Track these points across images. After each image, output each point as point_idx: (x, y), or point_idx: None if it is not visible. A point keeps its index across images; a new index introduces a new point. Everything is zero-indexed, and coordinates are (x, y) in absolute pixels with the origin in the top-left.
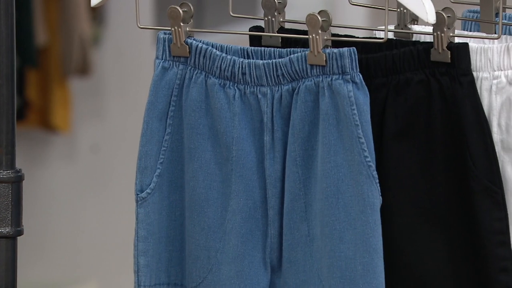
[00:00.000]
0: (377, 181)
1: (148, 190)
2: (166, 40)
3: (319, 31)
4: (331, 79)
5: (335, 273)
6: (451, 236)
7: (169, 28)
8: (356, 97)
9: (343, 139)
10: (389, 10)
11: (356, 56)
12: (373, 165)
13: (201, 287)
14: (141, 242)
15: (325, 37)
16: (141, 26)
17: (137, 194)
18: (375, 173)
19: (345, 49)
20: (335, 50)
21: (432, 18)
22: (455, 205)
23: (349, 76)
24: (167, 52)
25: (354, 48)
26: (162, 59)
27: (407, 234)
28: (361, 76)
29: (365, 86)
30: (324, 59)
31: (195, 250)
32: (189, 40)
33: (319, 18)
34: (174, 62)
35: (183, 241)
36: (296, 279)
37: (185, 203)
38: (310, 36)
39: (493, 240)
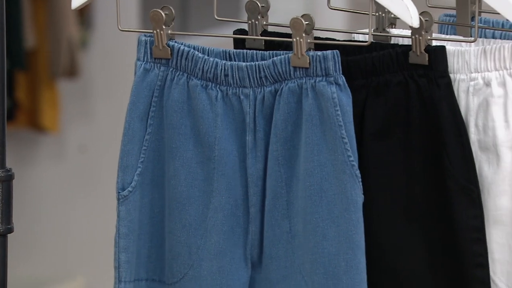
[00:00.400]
0: (360, 179)
1: (129, 188)
2: (148, 42)
3: (303, 35)
4: (315, 81)
5: (318, 269)
6: (429, 233)
7: (150, 30)
8: (340, 99)
9: (326, 139)
10: (367, 14)
11: (339, 59)
12: (356, 164)
13: (182, 283)
14: (122, 239)
15: (309, 40)
16: (122, 29)
17: (119, 192)
18: (358, 172)
19: (329, 51)
20: (319, 52)
21: (416, 22)
22: (433, 203)
23: (332, 78)
24: (149, 54)
25: (337, 50)
26: (143, 61)
27: (386, 231)
28: (344, 78)
29: (348, 88)
30: (308, 61)
31: (176, 246)
32: (170, 43)
33: (303, 21)
34: (156, 64)
35: (162, 238)
36: (277, 275)
37: (165, 201)
38: (294, 39)
39: (469, 237)
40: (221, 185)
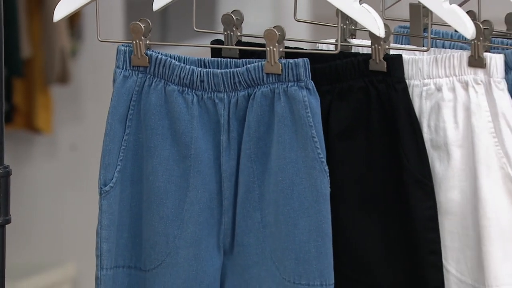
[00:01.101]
0: (328, 174)
1: (110, 184)
2: (127, 51)
3: (276, 44)
4: (287, 86)
5: (290, 255)
6: (388, 222)
7: (127, 41)
8: (310, 102)
9: (298, 138)
10: (331, 26)
11: (309, 66)
12: (324, 160)
13: (159, 269)
14: (104, 230)
15: (281, 49)
16: (101, 40)
17: (101, 188)
18: (326, 167)
19: (300, 59)
20: (291, 60)
21: (383, 33)
22: (391, 196)
23: (303, 83)
24: (127, 62)
25: (307, 58)
26: (122, 69)
27: (350, 221)
28: (313, 83)
29: (317, 92)
30: (280, 68)
31: (154, 236)
32: (148, 52)
33: (276, 32)
34: (134, 71)
35: (140, 229)
36: (248, 261)
37: (142, 195)
38: (268, 48)
39: (424, 226)
40: (196, 180)
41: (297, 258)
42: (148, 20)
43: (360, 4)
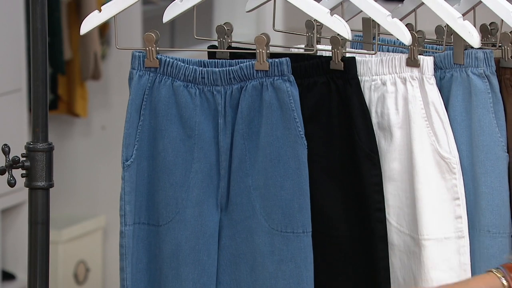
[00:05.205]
0: (306, 147)
1: (131, 160)
2: (140, 56)
3: (264, 47)
4: (273, 79)
5: (277, 210)
6: (345, 186)
7: (140, 48)
8: (292, 91)
9: (283, 120)
10: (301, 35)
11: (290, 64)
12: (304, 136)
13: (170, 224)
14: (127, 195)
15: (268, 51)
16: (119, 47)
17: (124, 163)
18: (305, 141)
19: (284, 59)
20: (276, 59)
21: (350, 37)
22: (347, 166)
23: (286, 77)
24: (141, 65)
25: (288, 58)
26: (137, 69)
27: (316, 186)
28: (293, 77)
29: (296, 84)
30: (268, 66)
31: (165, 199)
32: (158, 56)
33: (265, 38)
34: (146, 71)
35: (152, 194)
36: (240, 216)
37: (154, 167)
38: (258, 50)
39: (372, 189)
40: (200, 154)
41: (284, 213)
42: (157, 32)
43: (331, 15)
